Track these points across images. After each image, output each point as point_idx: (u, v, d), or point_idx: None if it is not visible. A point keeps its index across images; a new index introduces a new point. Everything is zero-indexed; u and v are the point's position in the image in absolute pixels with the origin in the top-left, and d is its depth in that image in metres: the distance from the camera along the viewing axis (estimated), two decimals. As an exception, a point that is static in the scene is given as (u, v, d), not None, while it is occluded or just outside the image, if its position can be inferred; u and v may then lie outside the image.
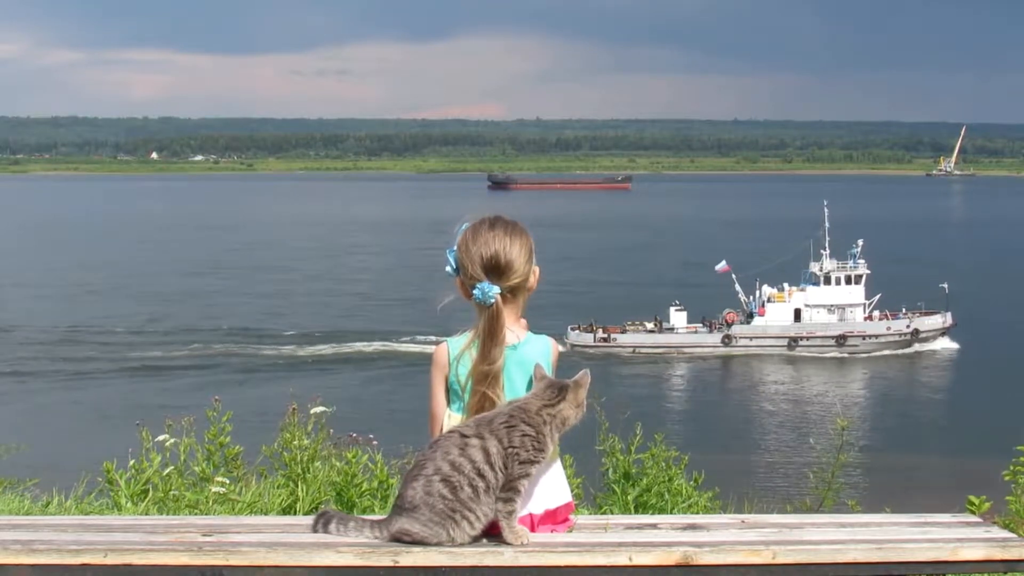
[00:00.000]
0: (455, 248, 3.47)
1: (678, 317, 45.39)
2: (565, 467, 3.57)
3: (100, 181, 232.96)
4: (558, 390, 3.25)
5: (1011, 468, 6.34)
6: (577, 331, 44.56)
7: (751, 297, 46.16)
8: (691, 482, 6.43)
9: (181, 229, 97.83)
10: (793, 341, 44.94)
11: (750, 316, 45.63)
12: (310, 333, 46.07)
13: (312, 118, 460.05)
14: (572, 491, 3.53)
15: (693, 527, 3.38)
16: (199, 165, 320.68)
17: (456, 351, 3.39)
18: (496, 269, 3.37)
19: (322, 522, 3.27)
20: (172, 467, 6.18)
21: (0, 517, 4.73)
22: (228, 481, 6.17)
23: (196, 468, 6.30)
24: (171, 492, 6.02)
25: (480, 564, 3.05)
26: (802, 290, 45.82)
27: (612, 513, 5.83)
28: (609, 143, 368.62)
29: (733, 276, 45.60)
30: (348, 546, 3.11)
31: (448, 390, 3.42)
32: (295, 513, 5.94)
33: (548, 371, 3.36)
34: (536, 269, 3.49)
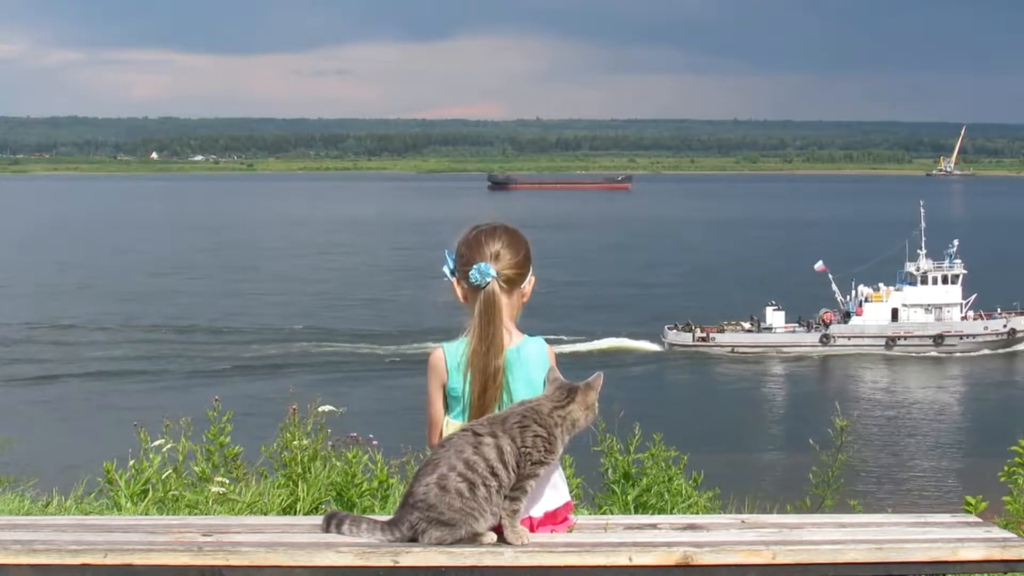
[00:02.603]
0: (454, 249, 3.47)
1: (776, 317, 45.73)
2: (565, 467, 3.57)
3: (100, 181, 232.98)
4: (567, 391, 3.23)
5: (1006, 469, 6.33)
6: (675, 331, 44.92)
7: (847, 297, 46.42)
8: (691, 482, 6.42)
9: (179, 230, 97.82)
10: (891, 341, 45.30)
11: (847, 316, 45.98)
12: (310, 333, 46.12)
13: (312, 118, 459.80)
14: (572, 491, 3.52)
15: (693, 527, 3.38)
16: (199, 165, 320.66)
17: (454, 357, 3.36)
18: (496, 257, 3.38)
19: (334, 523, 3.25)
20: (172, 468, 6.17)
21: (0, 517, 4.73)
22: (228, 481, 6.17)
23: (196, 468, 6.30)
24: (171, 492, 6.02)
25: (480, 564, 3.05)
26: (899, 290, 46.18)
27: (612, 513, 5.83)
28: (609, 143, 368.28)
29: (830, 276, 46.00)
30: (348, 546, 3.11)
31: (446, 397, 3.39)
32: (295, 513, 5.94)
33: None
34: (532, 278, 3.48)
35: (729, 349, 44.74)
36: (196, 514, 5.61)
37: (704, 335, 44.75)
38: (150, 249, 79.81)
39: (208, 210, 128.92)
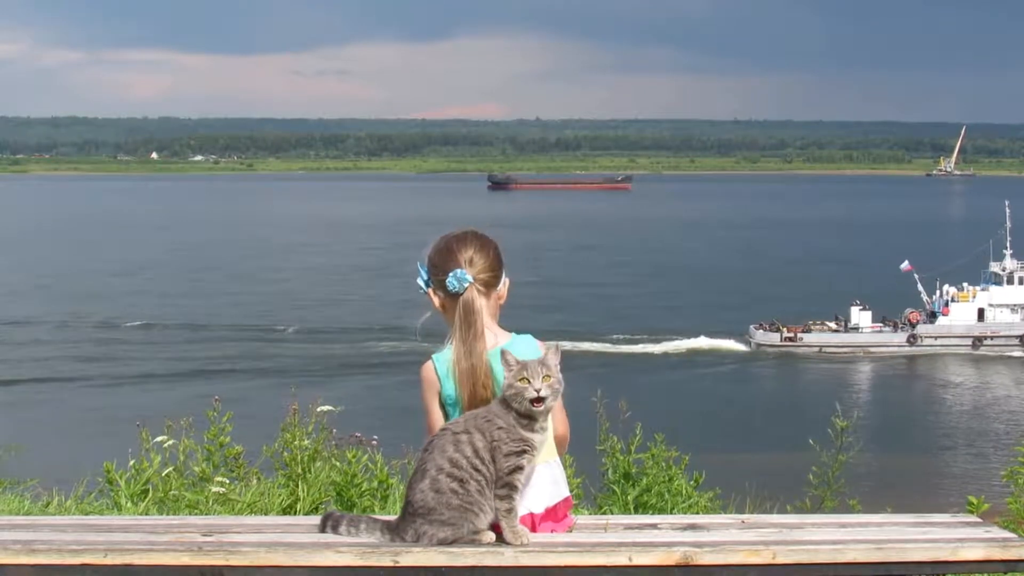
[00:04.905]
0: (425, 260, 3.50)
1: (862, 317, 45.86)
2: (565, 467, 3.56)
3: (100, 181, 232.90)
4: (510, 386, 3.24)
5: (1009, 469, 6.33)
6: (762, 331, 45.11)
7: (933, 297, 46.57)
8: (691, 482, 6.42)
9: (176, 230, 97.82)
10: (977, 341, 45.40)
11: (932, 315, 46.12)
12: (308, 333, 46.15)
13: (312, 118, 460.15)
14: (572, 491, 3.53)
15: (693, 527, 3.38)
16: (199, 165, 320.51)
17: (443, 364, 3.38)
18: (469, 263, 3.42)
19: (331, 523, 3.27)
20: (173, 468, 6.17)
21: (0, 517, 4.73)
22: (228, 481, 6.17)
23: (196, 468, 6.30)
24: (171, 492, 6.02)
25: (480, 564, 3.05)
26: (985, 290, 46.28)
27: (612, 513, 5.83)
28: (609, 143, 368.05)
29: (915, 276, 46.19)
30: (348, 546, 3.11)
31: (443, 405, 3.41)
32: (295, 513, 5.94)
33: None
34: (507, 279, 3.52)
35: (817, 349, 44.90)
36: (196, 514, 5.61)
37: (791, 335, 44.93)
38: (146, 249, 79.76)
39: (207, 210, 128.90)
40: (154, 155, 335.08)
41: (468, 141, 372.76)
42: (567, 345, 41.28)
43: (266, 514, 5.86)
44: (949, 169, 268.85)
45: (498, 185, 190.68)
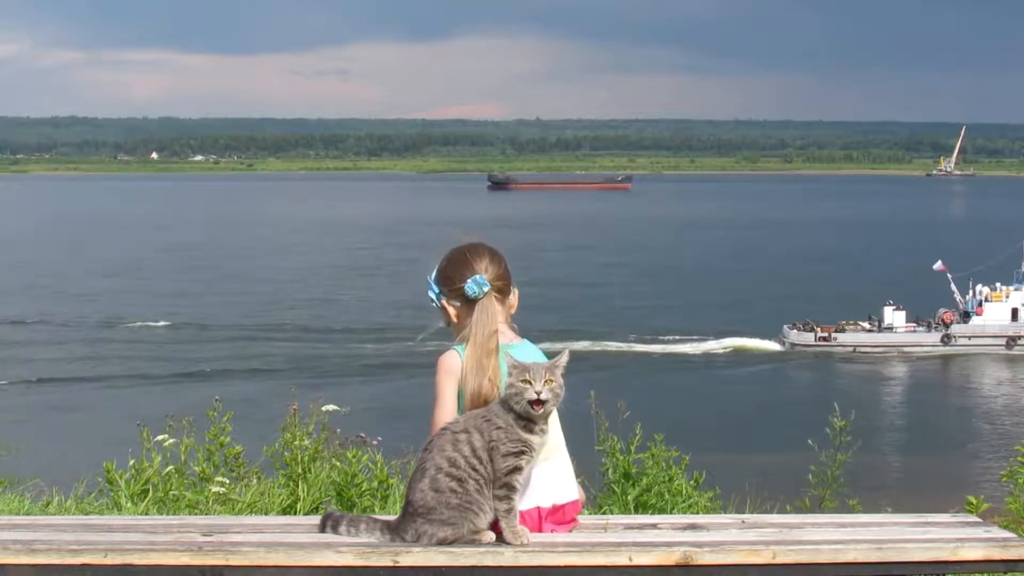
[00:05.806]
0: (435, 272, 3.58)
1: (896, 317, 45.98)
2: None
3: (100, 181, 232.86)
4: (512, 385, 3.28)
5: (1008, 469, 6.33)
6: (796, 330, 45.22)
7: (966, 297, 46.72)
8: (691, 482, 6.41)
9: (173, 230, 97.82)
10: (1011, 340, 45.57)
11: (966, 315, 46.29)
12: (308, 333, 46.14)
13: (312, 118, 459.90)
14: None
15: (693, 527, 3.38)
16: (199, 165, 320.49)
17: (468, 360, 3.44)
18: (485, 270, 3.51)
19: (331, 523, 3.27)
20: (174, 468, 6.17)
21: (0, 517, 4.73)
22: (228, 481, 6.16)
23: (196, 468, 6.29)
24: (171, 492, 6.02)
25: (480, 564, 3.05)
26: (1019, 289, 46.51)
27: (612, 513, 5.82)
28: (609, 143, 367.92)
29: (948, 276, 46.33)
30: (348, 546, 3.11)
31: (458, 398, 3.46)
32: (295, 513, 5.94)
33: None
34: (515, 290, 3.61)
35: (852, 349, 45.04)
36: (196, 514, 5.60)
37: (826, 335, 45.04)
38: (146, 249, 79.76)
39: (207, 210, 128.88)
40: (154, 155, 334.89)
41: (468, 141, 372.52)
42: (577, 345, 41.81)
43: (266, 514, 5.85)
44: (949, 169, 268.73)
45: (498, 185, 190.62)
